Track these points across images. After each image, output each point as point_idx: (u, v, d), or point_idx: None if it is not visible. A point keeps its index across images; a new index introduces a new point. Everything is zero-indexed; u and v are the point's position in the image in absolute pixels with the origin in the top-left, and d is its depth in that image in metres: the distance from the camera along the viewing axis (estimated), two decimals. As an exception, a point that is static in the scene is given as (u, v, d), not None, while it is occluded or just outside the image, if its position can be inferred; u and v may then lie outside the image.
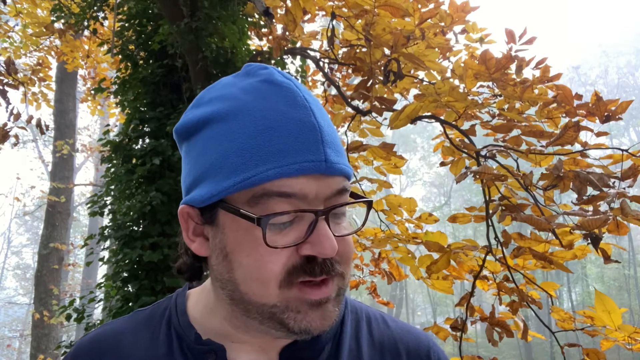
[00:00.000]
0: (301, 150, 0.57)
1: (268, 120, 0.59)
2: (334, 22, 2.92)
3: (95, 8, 4.14)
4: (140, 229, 3.32)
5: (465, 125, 2.77)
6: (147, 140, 3.58)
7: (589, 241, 1.81)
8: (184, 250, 0.70)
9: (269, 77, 0.62)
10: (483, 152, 2.40)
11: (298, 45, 4.04)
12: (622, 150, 2.09)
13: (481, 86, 2.78)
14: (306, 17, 3.34)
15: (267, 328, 0.61)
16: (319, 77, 4.94)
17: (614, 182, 1.94)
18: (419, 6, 2.96)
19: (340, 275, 0.61)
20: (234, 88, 0.64)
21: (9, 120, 3.97)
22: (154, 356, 0.67)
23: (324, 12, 3.36)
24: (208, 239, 0.64)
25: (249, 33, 3.87)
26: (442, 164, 2.94)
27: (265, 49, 4.22)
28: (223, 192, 0.59)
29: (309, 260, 0.58)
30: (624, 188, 1.91)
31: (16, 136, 4.51)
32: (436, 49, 2.91)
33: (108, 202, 3.71)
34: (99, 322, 3.66)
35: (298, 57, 4.04)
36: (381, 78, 2.82)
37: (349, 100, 3.25)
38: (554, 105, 2.42)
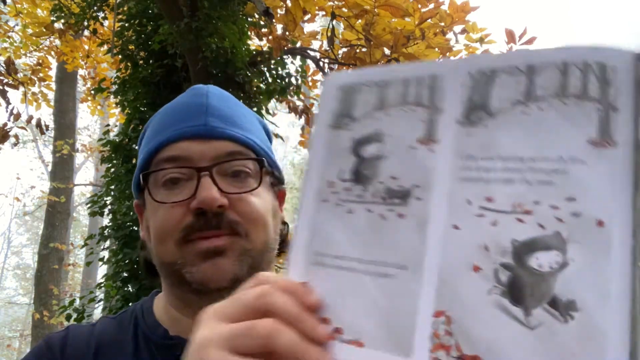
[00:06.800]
0: (184, 120, 0.67)
1: (169, 107, 0.72)
2: (334, 22, 2.92)
3: (95, 8, 4.14)
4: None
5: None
6: (147, 140, 3.58)
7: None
8: (142, 244, 0.75)
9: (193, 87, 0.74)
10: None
11: (298, 45, 4.04)
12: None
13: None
14: (306, 17, 3.34)
15: (183, 293, 0.65)
16: (319, 77, 4.94)
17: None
18: (419, 6, 2.96)
19: (238, 234, 0.63)
20: None
21: (9, 120, 3.98)
22: (121, 355, 0.67)
23: (324, 12, 3.37)
24: None
25: (249, 33, 3.87)
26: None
27: (265, 49, 4.22)
28: (138, 170, 0.69)
29: (200, 216, 0.62)
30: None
31: (16, 136, 4.52)
32: (436, 49, 2.91)
33: (108, 202, 3.71)
34: (99, 322, 3.66)
35: (298, 57, 4.04)
36: (381, 78, 2.81)
37: (349, 100, 3.25)
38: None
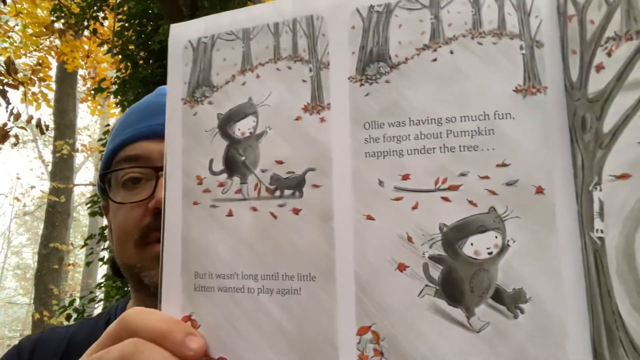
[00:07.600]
0: (144, 120, 0.65)
1: (133, 108, 0.70)
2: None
3: (95, 8, 4.14)
4: (140, 229, 3.32)
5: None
6: (147, 140, 3.58)
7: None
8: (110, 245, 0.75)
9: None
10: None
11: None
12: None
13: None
14: (306, 17, 3.34)
15: (143, 296, 0.63)
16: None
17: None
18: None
19: None
20: None
21: (9, 120, 3.97)
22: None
23: (324, 12, 3.37)
24: None
25: (249, 33, 3.87)
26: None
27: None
28: (100, 172, 0.68)
29: (158, 216, 0.59)
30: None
31: (16, 136, 4.52)
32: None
33: (108, 202, 3.71)
34: (99, 322, 3.67)
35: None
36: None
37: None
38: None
